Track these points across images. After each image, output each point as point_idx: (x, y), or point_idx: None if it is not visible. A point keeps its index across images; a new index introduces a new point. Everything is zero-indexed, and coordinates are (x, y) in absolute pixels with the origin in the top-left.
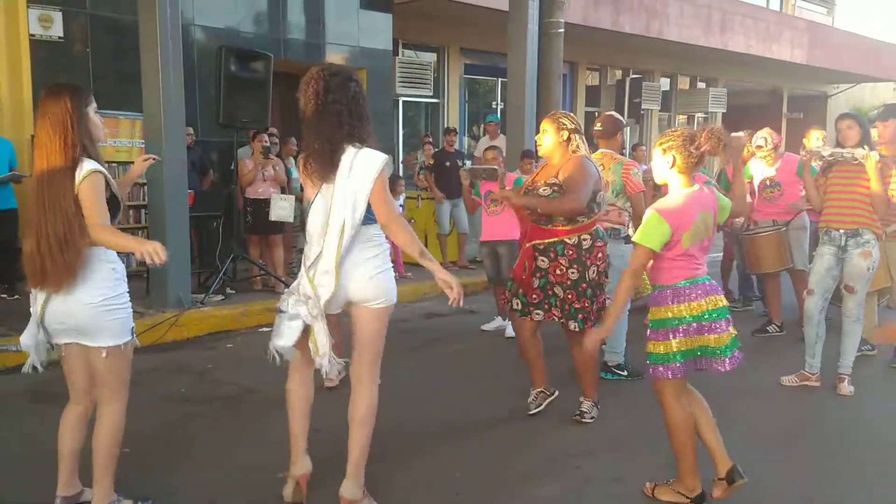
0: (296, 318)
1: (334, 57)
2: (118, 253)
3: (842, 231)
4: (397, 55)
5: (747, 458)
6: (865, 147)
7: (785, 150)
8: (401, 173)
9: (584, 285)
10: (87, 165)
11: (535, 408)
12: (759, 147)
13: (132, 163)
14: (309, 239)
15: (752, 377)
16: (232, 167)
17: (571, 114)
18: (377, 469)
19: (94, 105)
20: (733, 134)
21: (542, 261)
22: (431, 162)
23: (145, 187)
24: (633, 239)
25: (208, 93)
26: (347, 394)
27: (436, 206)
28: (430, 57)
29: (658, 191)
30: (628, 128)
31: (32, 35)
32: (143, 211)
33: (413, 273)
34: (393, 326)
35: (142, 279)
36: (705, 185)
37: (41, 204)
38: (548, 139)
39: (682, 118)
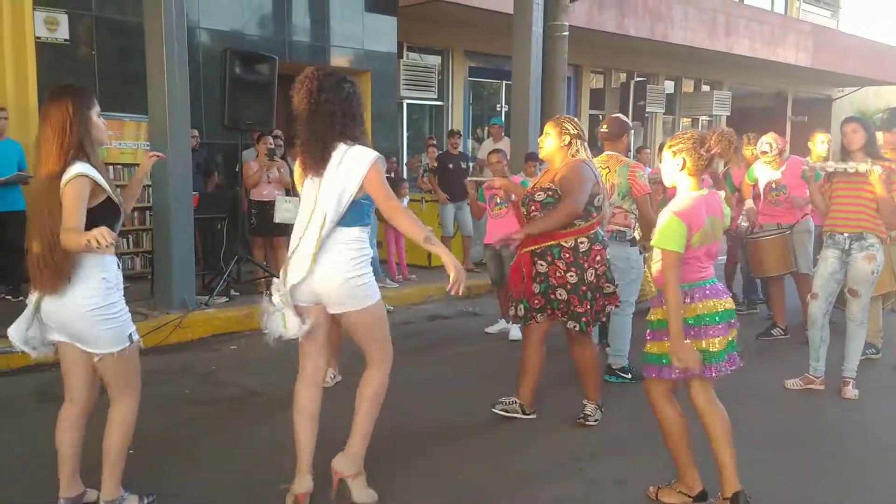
0: (280, 309)
1: (339, 59)
2: (118, 259)
3: (846, 235)
4: (402, 58)
5: (750, 460)
6: (869, 161)
7: (790, 153)
8: (405, 176)
9: (584, 288)
10: (75, 169)
11: (501, 408)
12: (764, 153)
13: (137, 164)
14: (294, 232)
15: (756, 380)
16: (237, 169)
17: (576, 119)
18: (380, 470)
19: (97, 108)
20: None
21: (541, 265)
22: (435, 164)
23: (150, 189)
24: (655, 245)
25: (213, 95)
26: (349, 395)
27: (440, 208)
28: (435, 59)
29: (664, 193)
30: (632, 131)
31: (38, 37)
32: (147, 213)
33: (417, 275)
34: (396, 329)
35: (146, 281)
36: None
37: (37, 206)
38: (549, 142)
39: (686, 121)
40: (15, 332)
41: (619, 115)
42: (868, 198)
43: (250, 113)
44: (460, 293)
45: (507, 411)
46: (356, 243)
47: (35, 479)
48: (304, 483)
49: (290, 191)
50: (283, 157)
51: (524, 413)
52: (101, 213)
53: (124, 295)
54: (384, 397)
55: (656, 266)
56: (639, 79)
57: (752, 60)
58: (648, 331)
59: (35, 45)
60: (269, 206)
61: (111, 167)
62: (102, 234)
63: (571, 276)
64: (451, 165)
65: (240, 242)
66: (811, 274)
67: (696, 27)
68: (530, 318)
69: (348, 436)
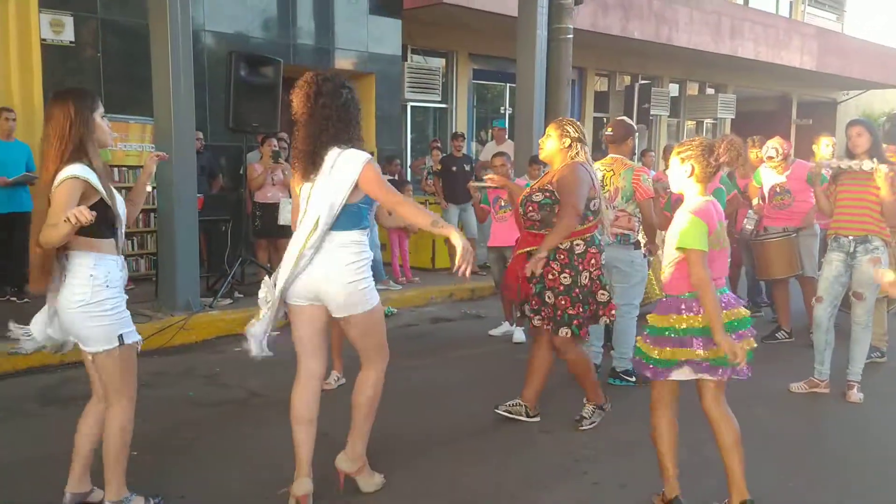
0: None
1: (343, 62)
2: (121, 259)
3: (850, 237)
4: (406, 60)
5: (754, 463)
6: (875, 160)
7: (794, 156)
8: (409, 178)
9: (577, 290)
10: (68, 171)
11: (504, 409)
12: (770, 157)
13: (141, 167)
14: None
15: (761, 384)
16: (241, 171)
17: (578, 122)
18: (381, 471)
19: (100, 110)
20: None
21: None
22: (439, 167)
23: (155, 191)
24: (680, 247)
25: (218, 97)
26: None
27: (444, 210)
28: (439, 62)
29: (668, 196)
30: (638, 133)
31: (44, 40)
32: (151, 215)
33: (420, 278)
34: (400, 331)
35: (150, 283)
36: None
37: (37, 205)
38: (550, 144)
39: (690, 124)
40: (35, 326)
41: (624, 118)
42: (873, 200)
43: (255, 115)
44: (468, 274)
45: (510, 413)
46: (355, 246)
47: (38, 481)
48: (303, 485)
49: None
50: (288, 160)
51: (527, 415)
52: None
53: (128, 296)
54: (380, 396)
55: (668, 270)
56: (643, 82)
57: (757, 63)
58: (646, 331)
59: (41, 47)
60: (273, 209)
61: (116, 169)
62: (81, 211)
63: (565, 277)
64: (454, 168)
65: (244, 244)
66: (816, 277)
67: (700, 30)
68: (530, 320)
69: (348, 436)
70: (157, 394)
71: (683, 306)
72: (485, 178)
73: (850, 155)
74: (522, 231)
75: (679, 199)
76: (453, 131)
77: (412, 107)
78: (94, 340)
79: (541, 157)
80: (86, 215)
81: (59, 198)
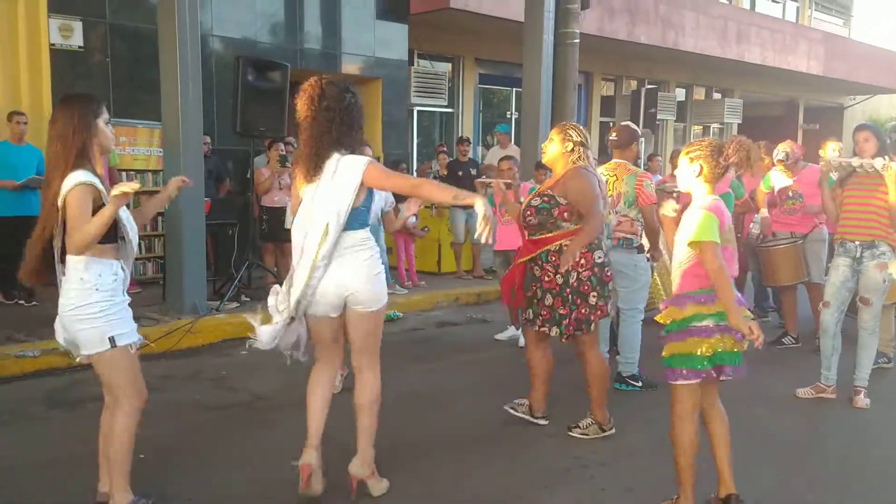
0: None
1: (350, 66)
2: (119, 263)
3: (857, 242)
4: (412, 65)
5: (759, 469)
6: (886, 158)
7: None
8: None
9: (568, 290)
10: (75, 177)
11: (509, 406)
12: (781, 161)
13: (149, 171)
14: (294, 240)
15: (768, 389)
16: (248, 175)
17: (581, 127)
18: (386, 475)
19: (105, 116)
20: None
21: (535, 269)
22: (445, 172)
23: None
24: (697, 239)
25: (225, 102)
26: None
27: (450, 214)
28: (445, 67)
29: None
30: (643, 138)
31: (53, 44)
32: (159, 218)
33: (426, 282)
34: (406, 335)
35: (158, 286)
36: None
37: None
38: (552, 148)
39: (697, 129)
40: (57, 331)
41: (629, 122)
42: (880, 205)
43: (262, 120)
44: (490, 241)
45: (514, 410)
46: (368, 242)
47: (43, 484)
48: (307, 456)
49: None
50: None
51: (532, 416)
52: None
53: (130, 298)
54: (380, 395)
55: (680, 270)
56: (650, 86)
57: (764, 68)
58: (668, 333)
59: (49, 52)
60: (280, 213)
61: (124, 173)
62: (129, 184)
63: (559, 278)
64: (460, 173)
65: (251, 248)
66: (823, 283)
67: (707, 35)
68: (533, 323)
69: (356, 439)
70: (165, 397)
71: (702, 299)
72: (490, 183)
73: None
74: (524, 239)
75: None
76: (459, 136)
77: (418, 111)
78: (86, 343)
79: (543, 160)
80: (133, 186)
81: (76, 202)
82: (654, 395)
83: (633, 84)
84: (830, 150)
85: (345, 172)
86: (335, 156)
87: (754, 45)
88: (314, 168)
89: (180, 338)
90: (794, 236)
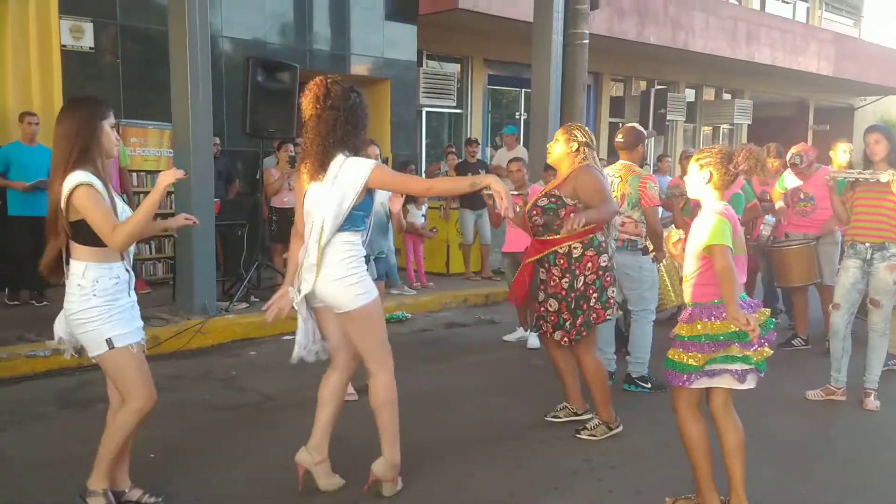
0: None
1: (359, 67)
2: (124, 264)
3: (867, 244)
4: (421, 66)
5: (768, 471)
6: (890, 171)
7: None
8: None
9: (573, 295)
10: (75, 178)
11: (552, 417)
12: (794, 165)
13: (160, 171)
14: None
15: (777, 391)
16: (257, 176)
17: (587, 128)
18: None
19: (111, 119)
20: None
21: (542, 272)
22: (454, 174)
23: (172, 195)
24: (711, 243)
25: (235, 103)
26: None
27: (459, 216)
28: (454, 67)
29: (686, 202)
30: (651, 140)
31: (64, 45)
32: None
33: (435, 283)
34: (414, 336)
35: (168, 286)
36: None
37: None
38: (557, 148)
39: (707, 129)
40: (58, 327)
41: (635, 124)
42: (890, 207)
43: (272, 121)
44: (511, 215)
45: (556, 418)
46: (347, 245)
47: (53, 483)
48: (301, 455)
49: None
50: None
51: (577, 415)
52: (87, 227)
53: (135, 297)
54: (396, 398)
55: (693, 279)
56: (659, 87)
57: (774, 69)
58: (677, 341)
59: (61, 53)
60: (289, 213)
61: (134, 174)
62: (172, 172)
63: (565, 282)
64: (469, 174)
65: (260, 249)
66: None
67: (717, 35)
68: (538, 327)
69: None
70: (174, 397)
71: (714, 313)
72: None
73: (868, 162)
74: (532, 239)
75: (697, 206)
76: (468, 137)
77: (427, 112)
78: (88, 346)
79: (548, 161)
80: (178, 174)
81: (88, 203)
82: (663, 396)
83: (643, 85)
84: (841, 152)
85: (345, 176)
86: (339, 157)
87: (764, 46)
88: (320, 167)
89: (190, 338)
90: (807, 237)
